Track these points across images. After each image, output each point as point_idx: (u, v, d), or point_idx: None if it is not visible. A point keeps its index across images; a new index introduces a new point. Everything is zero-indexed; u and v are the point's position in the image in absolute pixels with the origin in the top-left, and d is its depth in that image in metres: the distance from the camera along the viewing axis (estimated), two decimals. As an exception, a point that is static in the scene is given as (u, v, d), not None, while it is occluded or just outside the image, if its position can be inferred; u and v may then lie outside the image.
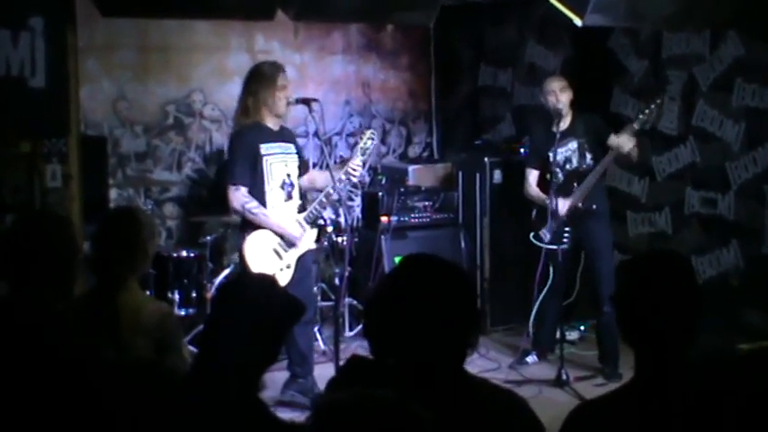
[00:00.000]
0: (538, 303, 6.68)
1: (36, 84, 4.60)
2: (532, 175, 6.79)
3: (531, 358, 6.82)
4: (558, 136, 6.45)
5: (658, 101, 6.34)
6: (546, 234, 6.58)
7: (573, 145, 6.55)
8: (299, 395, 5.94)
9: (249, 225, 5.70)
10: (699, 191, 6.99)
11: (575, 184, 6.50)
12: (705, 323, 2.46)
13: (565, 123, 6.56)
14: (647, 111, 6.28)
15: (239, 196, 5.62)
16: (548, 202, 6.49)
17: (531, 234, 6.69)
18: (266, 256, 5.68)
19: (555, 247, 6.47)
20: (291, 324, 2.73)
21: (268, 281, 2.82)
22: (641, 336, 2.45)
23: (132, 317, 3.27)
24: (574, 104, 6.61)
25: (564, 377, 6.35)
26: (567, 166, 6.58)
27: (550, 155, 6.47)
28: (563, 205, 6.45)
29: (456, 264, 2.40)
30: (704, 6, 5.50)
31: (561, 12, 5.51)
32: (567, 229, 6.44)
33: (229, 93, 8.18)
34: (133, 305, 3.33)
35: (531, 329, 6.90)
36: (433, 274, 2.33)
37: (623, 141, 6.22)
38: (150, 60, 7.95)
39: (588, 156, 6.50)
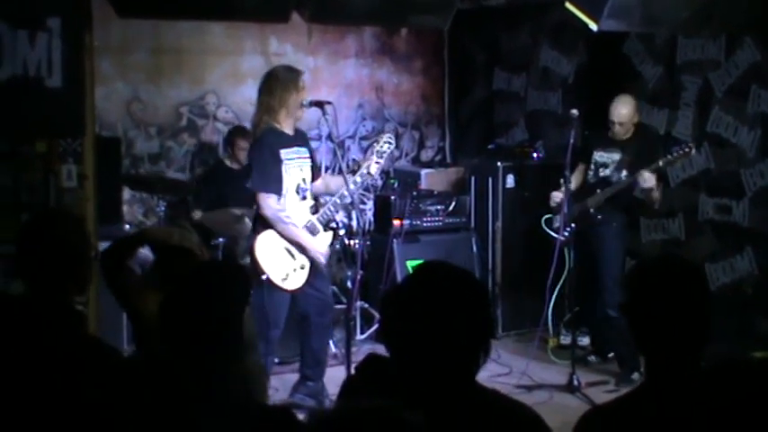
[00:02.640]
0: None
1: (52, 84, 4.62)
2: (579, 170, 6.84)
3: (591, 358, 6.95)
4: (610, 141, 6.61)
5: (687, 149, 6.28)
6: (556, 221, 6.72)
7: (616, 156, 6.60)
8: (308, 398, 5.94)
9: (261, 225, 5.68)
10: (713, 197, 6.97)
11: (598, 190, 6.59)
12: (718, 330, 2.46)
13: (623, 134, 6.60)
14: (675, 153, 6.28)
15: (272, 204, 5.60)
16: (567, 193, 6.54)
17: (544, 218, 6.86)
18: (278, 256, 5.66)
19: (556, 235, 6.63)
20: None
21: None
22: (651, 342, 2.44)
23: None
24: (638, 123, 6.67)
25: (575, 383, 6.35)
26: (601, 172, 6.65)
27: (594, 154, 6.65)
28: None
29: (470, 272, 2.39)
30: (720, 11, 5.49)
31: (576, 16, 5.50)
32: (572, 224, 6.52)
33: (243, 95, 8.22)
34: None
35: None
36: (448, 282, 2.31)
37: (647, 177, 6.27)
38: (164, 62, 7.98)
39: (624, 173, 6.53)
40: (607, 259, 6.57)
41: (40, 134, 4.76)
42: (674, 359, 2.41)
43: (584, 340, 7.29)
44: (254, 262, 5.62)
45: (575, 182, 6.74)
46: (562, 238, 6.53)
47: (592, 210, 6.50)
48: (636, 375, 6.40)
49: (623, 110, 6.53)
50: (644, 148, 6.55)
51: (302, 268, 5.72)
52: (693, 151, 6.35)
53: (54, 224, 3.00)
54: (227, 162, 7.66)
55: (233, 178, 7.47)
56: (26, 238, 3.00)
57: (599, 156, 6.66)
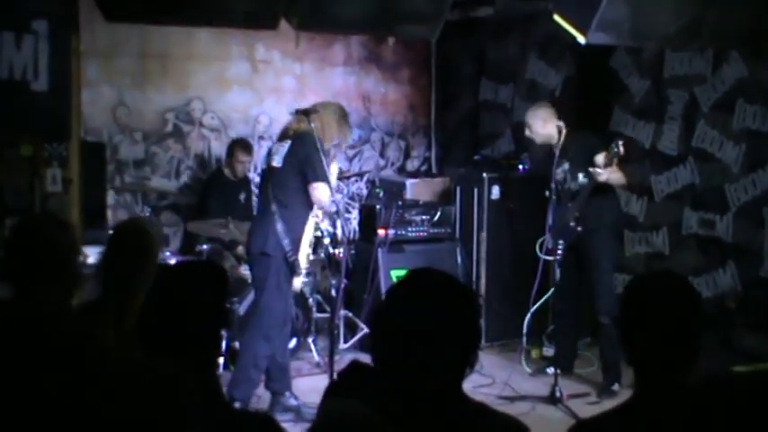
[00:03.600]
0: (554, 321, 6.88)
1: (38, 87, 4.60)
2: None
3: (550, 369, 6.77)
4: (556, 156, 6.60)
5: (621, 142, 6.20)
6: (548, 242, 6.74)
7: (565, 166, 6.63)
8: (285, 413, 5.88)
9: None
10: (697, 211, 6.99)
11: (569, 204, 6.58)
12: (701, 345, 2.46)
13: (560, 144, 6.64)
14: (611, 151, 6.20)
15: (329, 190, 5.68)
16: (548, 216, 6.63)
17: (538, 243, 6.88)
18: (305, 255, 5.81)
19: (548, 257, 6.67)
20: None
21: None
22: (642, 357, 2.44)
23: None
24: (569, 125, 6.69)
25: (557, 394, 6.34)
26: (562, 186, 6.68)
27: (554, 172, 6.62)
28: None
29: (459, 279, 2.38)
30: (709, 26, 5.49)
31: (564, 29, 5.50)
32: (560, 242, 6.53)
33: (229, 101, 8.21)
34: None
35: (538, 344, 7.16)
36: (437, 288, 2.30)
37: (599, 171, 6.31)
38: (150, 67, 7.95)
39: (580, 175, 6.53)
40: (599, 267, 6.58)
41: (26, 137, 4.73)
42: (664, 374, 2.40)
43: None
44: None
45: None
46: (558, 258, 6.53)
47: (572, 224, 6.51)
48: (616, 386, 6.44)
49: (553, 121, 6.65)
50: (582, 141, 6.60)
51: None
52: (622, 149, 6.22)
53: (42, 227, 2.99)
54: (226, 172, 7.73)
55: (230, 188, 7.55)
56: (14, 240, 2.99)
57: (558, 174, 6.65)
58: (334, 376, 2.81)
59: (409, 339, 2.22)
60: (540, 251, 6.84)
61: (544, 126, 6.67)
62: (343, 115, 6.05)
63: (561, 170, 6.64)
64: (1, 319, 2.76)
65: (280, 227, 5.66)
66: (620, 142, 6.18)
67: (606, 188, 6.51)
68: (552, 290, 6.72)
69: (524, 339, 7.12)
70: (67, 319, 2.92)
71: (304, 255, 5.77)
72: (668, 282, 2.54)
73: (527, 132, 6.78)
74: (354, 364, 2.43)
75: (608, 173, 6.30)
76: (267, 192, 5.81)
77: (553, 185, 6.65)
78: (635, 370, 2.47)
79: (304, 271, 5.82)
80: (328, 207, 5.88)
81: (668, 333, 2.40)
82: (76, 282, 3.04)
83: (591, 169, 6.34)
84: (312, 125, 5.71)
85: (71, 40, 4.78)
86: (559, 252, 6.52)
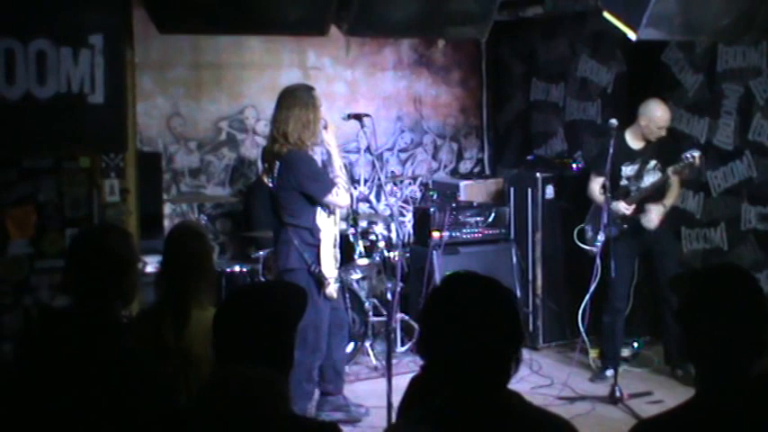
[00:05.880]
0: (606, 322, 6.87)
1: (95, 100, 4.68)
2: (598, 182, 6.81)
3: (609, 372, 6.73)
4: (633, 152, 6.70)
5: (692, 158, 6.38)
6: (588, 231, 6.93)
7: (638, 165, 6.70)
8: (334, 413, 5.92)
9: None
10: (755, 206, 6.89)
11: (632, 192, 6.71)
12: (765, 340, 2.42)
13: (642, 143, 6.71)
14: (684, 161, 6.40)
15: (345, 195, 5.66)
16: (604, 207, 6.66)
17: (576, 230, 7.00)
18: (330, 262, 5.73)
19: (588, 247, 6.83)
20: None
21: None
22: (704, 351, 2.39)
23: (205, 333, 3.28)
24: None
25: (617, 394, 6.30)
26: (632, 182, 6.74)
27: (622, 168, 6.69)
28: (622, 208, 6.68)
29: (497, 280, 2.38)
30: (761, 18, 5.43)
31: (614, 26, 5.47)
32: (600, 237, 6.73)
33: (282, 109, 8.25)
34: (206, 322, 3.34)
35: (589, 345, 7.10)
36: (474, 291, 2.32)
37: (653, 216, 6.64)
38: (204, 77, 8.05)
39: (653, 175, 6.66)
40: (669, 253, 6.82)
41: (84, 150, 4.82)
42: (727, 370, 2.36)
43: (626, 351, 7.23)
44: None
45: (601, 198, 6.76)
46: (594, 249, 6.72)
47: (627, 212, 6.68)
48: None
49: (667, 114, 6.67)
50: (662, 146, 6.69)
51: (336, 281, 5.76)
52: (698, 161, 6.38)
53: (103, 238, 3.03)
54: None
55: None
56: (75, 252, 3.03)
57: (629, 170, 6.72)
58: (393, 382, 2.89)
59: (453, 336, 2.24)
60: (580, 241, 6.98)
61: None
62: (302, 98, 5.66)
63: (632, 168, 6.69)
64: (62, 329, 2.82)
65: (297, 241, 5.62)
66: (696, 154, 6.24)
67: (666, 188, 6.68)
68: (594, 286, 6.76)
69: (584, 338, 7.07)
70: (128, 330, 2.96)
71: (329, 263, 5.68)
72: (725, 271, 2.50)
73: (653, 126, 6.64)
74: (413, 381, 2.48)
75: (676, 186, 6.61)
76: (277, 209, 5.76)
77: (608, 182, 6.56)
78: (696, 366, 2.43)
79: (332, 280, 5.69)
80: (344, 202, 5.77)
81: (728, 323, 2.36)
82: (135, 291, 3.08)
83: (651, 213, 6.59)
84: (290, 142, 5.58)
85: (126, 54, 4.86)
86: (597, 244, 6.73)
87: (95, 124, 4.70)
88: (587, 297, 6.80)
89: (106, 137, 4.78)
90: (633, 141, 6.72)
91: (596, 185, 6.82)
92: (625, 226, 6.70)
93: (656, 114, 6.60)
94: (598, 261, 6.66)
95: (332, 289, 5.71)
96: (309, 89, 5.78)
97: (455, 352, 2.24)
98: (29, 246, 4.81)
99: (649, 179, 6.66)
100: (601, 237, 6.70)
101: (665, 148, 6.68)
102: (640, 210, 6.68)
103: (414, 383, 2.86)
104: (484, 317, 2.26)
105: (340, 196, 5.62)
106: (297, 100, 5.64)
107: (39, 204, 4.82)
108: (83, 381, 2.69)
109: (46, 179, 4.82)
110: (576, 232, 7.04)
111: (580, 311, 6.90)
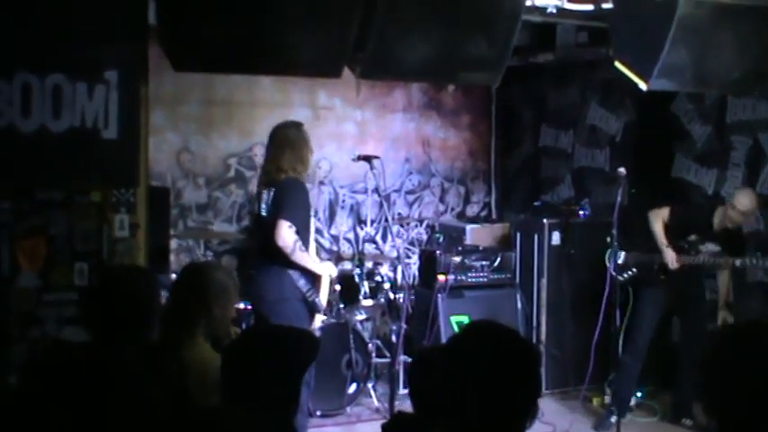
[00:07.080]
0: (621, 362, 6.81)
1: (109, 135, 4.69)
2: (662, 217, 6.68)
3: (614, 418, 6.65)
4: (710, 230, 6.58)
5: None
6: (619, 257, 6.77)
7: (711, 248, 6.57)
8: None
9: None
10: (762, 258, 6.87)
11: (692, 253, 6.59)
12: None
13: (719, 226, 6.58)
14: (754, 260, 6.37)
15: (293, 234, 5.50)
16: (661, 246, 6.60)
17: (608, 252, 6.72)
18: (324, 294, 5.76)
19: (614, 273, 6.59)
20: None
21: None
22: (731, 408, 2.33)
23: (200, 373, 3.28)
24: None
25: (621, 442, 6.26)
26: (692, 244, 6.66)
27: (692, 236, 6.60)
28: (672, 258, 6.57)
29: (517, 332, 2.37)
30: (772, 73, 5.46)
31: (625, 75, 5.50)
32: (632, 270, 6.74)
33: (291, 147, 8.28)
34: (200, 361, 3.33)
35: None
36: (497, 343, 2.30)
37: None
38: (214, 114, 8.10)
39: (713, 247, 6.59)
40: (697, 309, 6.78)
41: (96, 184, 4.83)
42: (746, 427, 2.31)
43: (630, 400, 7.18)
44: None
45: (661, 232, 6.65)
46: (620, 279, 6.67)
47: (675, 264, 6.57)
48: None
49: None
50: (732, 239, 6.55)
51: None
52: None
53: (128, 281, 3.04)
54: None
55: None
56: (100, 291, 3.04)
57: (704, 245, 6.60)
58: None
59: (469, 388, 2.21)
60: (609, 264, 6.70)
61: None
62: (294, 136, 5.79)
63: (705, 247, 6.60)
64: (78, 363, 2.81)
65: (292, 269, 5.58)
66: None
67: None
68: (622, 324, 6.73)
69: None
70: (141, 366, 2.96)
71: (324, 294, 5.73)
72: (760, 331, 2.43)
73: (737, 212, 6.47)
74: (398, 416, 2.46)
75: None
76: (265, 238, 5.65)
77: (615, 230, 6.49)
78: (716, 421, 2.37)
79: (323, 309, 5.76)
80: (290, 249, 5.52)
81: (755, 385, 2.30)
82: (152, 333, 3.09)
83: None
84: (286, 172, 5.65)
85: (140, 90, 4.88)
86: (626, 276, 6.77)
87: (108, 159, 4.71)
88: (620, 324, 6.73)
89: (118, 172, 4.79)
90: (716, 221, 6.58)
91: (660, 220, 6.69)
92: (662, 276, 6.63)
93: (743, 202, 6.40)
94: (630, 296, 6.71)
95: (319, 319, 5.80)
96: (298, 126, 5.87)
97: (469, 402, 2.21)
98: (37, 278, 4.81)
99: (709, 248, 6.56)
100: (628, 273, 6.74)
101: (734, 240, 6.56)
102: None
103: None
104: (502, 368, 2.23)
105: (280, 229, 5.46)
106: (288, 139, 5.75)
107: (49, 237, 4.83)
108: (88, 416, 2.69)
109: (57, 212, 4.83)
110: (607, 255, 6.77)
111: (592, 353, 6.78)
